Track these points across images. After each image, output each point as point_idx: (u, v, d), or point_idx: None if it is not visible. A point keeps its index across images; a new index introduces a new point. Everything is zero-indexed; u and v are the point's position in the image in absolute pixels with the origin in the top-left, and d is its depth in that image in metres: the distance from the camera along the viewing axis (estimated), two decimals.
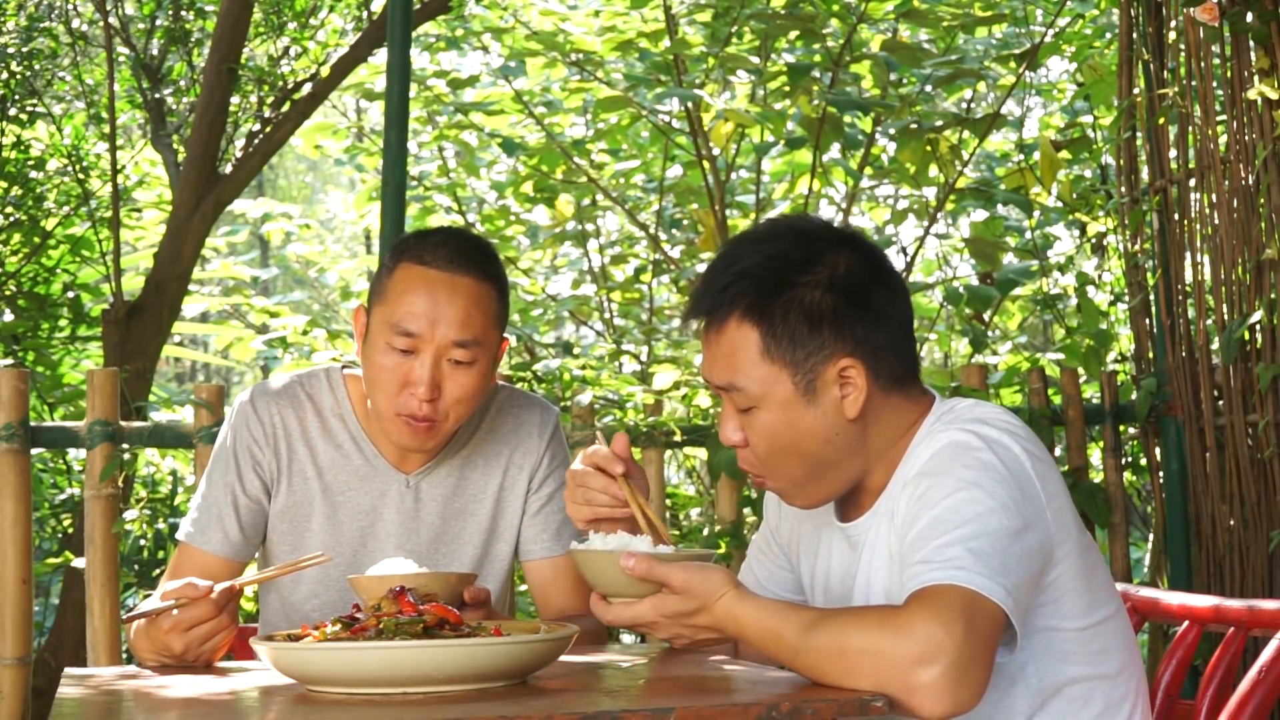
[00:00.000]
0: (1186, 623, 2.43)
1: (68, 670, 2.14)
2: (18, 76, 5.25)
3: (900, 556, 1.93)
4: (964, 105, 7.03)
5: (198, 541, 2.48)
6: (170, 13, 5.50)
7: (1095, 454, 4.61)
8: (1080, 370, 4.37)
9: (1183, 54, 3.96)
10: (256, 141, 5.13)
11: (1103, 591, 2.06)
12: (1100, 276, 4.92)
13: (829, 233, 2.08)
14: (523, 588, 3.73)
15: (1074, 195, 5.25)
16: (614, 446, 2.16)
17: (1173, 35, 4.02)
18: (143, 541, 3.94)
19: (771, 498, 2.29)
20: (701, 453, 4.79)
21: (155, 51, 5.55)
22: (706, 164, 5.54)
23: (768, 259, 2.03)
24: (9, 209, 5.30)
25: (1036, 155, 5.31)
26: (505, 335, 2.47)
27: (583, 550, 1.99)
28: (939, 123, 5.38)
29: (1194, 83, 3.92)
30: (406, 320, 2.36)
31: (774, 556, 2.33)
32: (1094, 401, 4.34)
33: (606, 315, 6.45)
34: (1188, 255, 4.07)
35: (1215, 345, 3.96)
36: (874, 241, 2.13)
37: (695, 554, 1.99)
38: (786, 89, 5.36)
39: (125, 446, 3.68)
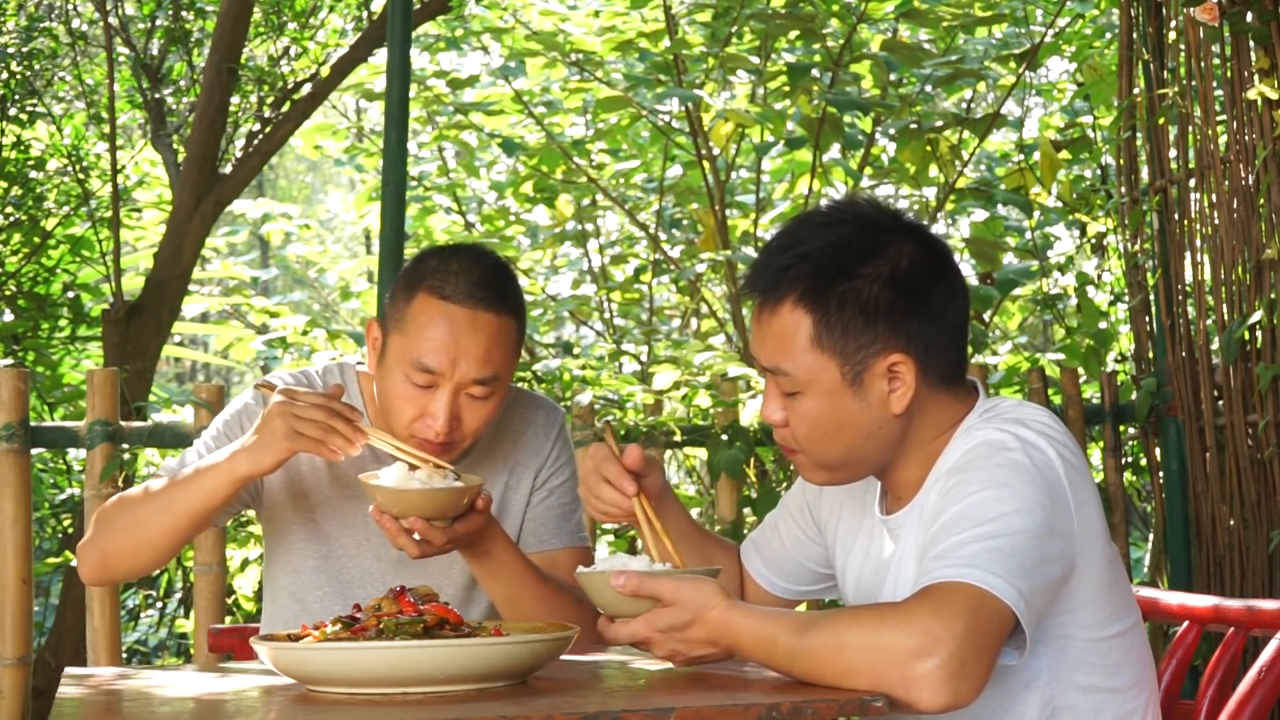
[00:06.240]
0: (1186, 623, 2.42)
1: (68, 670, 2.14)
2: (18, 76, 5.24)
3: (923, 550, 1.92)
4: (964, 105, 7.02)
5: None
6: (170, 13, 5.49)
7: (1095, 454, 4.60)
8: (1080, 370, 4.36)
9: (1183, 54, 3.96)
10: (256, 141, 5.13)
11: (1123, 605, 2.04)
12: (1100, 276, 4.92)
13: (894, 223, 2.04)
14: None
15: (1074, 195, 5.25)
16: (627, 460, 2.15)
17: (1173, 35, 4.02)
18: None
19: None
20: (701, 453, 4.78)
21: (155, 51, 5.54)
22: (706, 164, 5.53)
23: (829, 245, 2.00)
24: (9, 209, 5.29)
25: (1036, 155, 5.31)
26: None
27: (581, 573, 1.96)
28: (939, 123, 5.37)
29: (1194, 83, 3.92)
30: (426, 356, 2.33)
31: (805, 525, 2.31)
32: (1094, 401, 4.34)
33: (606, 315, 6.44)
34: (1188, 255, 4.07)
35: (1215, 345, 3.96)
36: (938, 235, 2.09)
37: (698, 572, 1.96)
38: (786, 89, 5.35)
39: (125, 446, 3.68)
